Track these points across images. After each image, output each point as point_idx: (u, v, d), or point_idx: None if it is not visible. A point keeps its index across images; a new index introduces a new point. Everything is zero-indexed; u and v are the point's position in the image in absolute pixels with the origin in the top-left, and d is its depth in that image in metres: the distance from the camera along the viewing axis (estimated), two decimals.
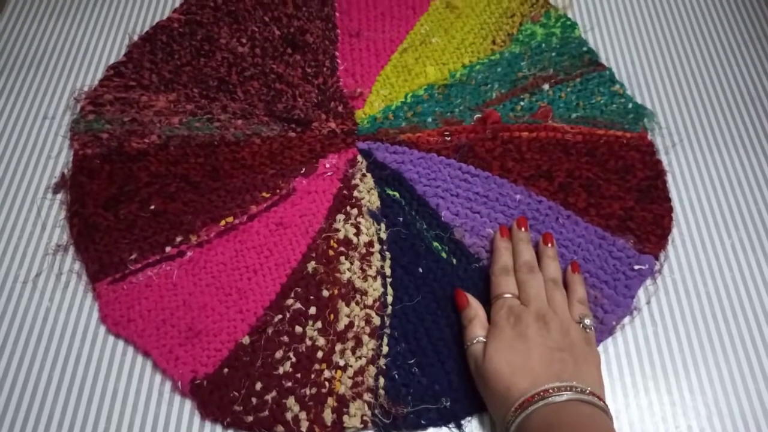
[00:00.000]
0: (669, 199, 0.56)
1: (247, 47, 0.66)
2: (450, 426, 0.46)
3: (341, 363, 0.47)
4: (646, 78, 0.65)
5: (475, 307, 0.48)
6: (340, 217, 0.55)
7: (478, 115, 0.61)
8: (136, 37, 0.67)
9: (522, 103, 0.62)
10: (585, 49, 0.66)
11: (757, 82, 0.64)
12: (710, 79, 0.65)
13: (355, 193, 0.56)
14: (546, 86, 0.63)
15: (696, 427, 0.46)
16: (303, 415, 0.45)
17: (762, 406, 0.47)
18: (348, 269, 0.52)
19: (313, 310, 0.50)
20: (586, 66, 0.64)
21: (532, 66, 0.64)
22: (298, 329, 0.49)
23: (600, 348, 0.49)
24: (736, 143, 0.60)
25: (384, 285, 0.51)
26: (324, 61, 0.65)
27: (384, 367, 0.47)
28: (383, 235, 0.54)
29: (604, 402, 0.41)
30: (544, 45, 0.66)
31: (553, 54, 0.65)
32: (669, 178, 0.58)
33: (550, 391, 0.40)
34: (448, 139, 0.59)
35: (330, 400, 0.46)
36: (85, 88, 0.63)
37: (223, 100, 0.62)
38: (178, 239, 0.53)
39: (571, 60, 0.65)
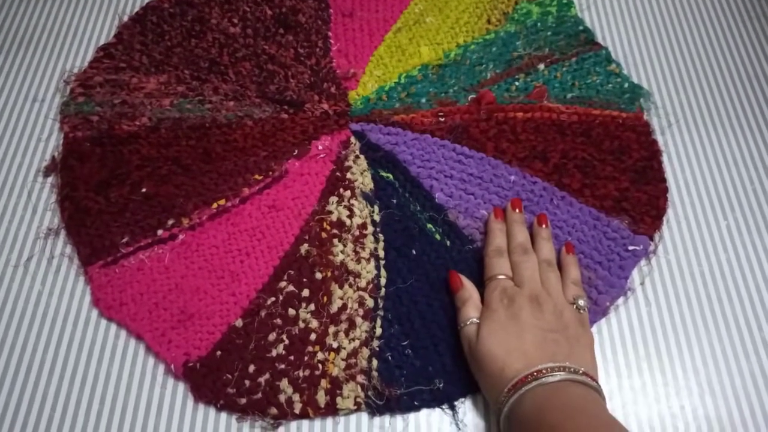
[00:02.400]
0: (664, 180, 0.56)
1: (239, 28, 0.65)
2: (443, 407, 0.46)
3: (334, 345, 0.47)
4: (643, 57, 0.64)
5: (468, 288, 0.48)
6: (333, 199, 0.54)
7: (472, 96, 0.60)
8: (126, 18, 0.66)
9: (517, 84, 0.61)
10: (581, 28, 0.65)
11: (755, 62, 0.64)
12: (707, 59, 0.64)
13: (348, 175, 0.56)
14: (541, 66, 0.62)
15: (689, 407, 0.47)
16: (296, 397, 0.45)
17: (755, 386, 0.47)
18: (341, 251, 0.51)
19: (306, 293, 0.50)
20: (582, 45, 0.63)
21: (528, 45, 0.63)
22: (291, 312, 0.49)
23: (594, 329, 0.49)
24: (732, 123, 0.60)
25: (377, 267, 0.51)
26: (317, 41, 0.64)
27: (377, 349, 0.47)
28: (376, 217, 0.53)
29: (597, 382, 0.41)
30: (539, 24, 0.65)
31: (549, 33, 0.64)
32: (664, 158, 0.57)
33: (544, 371, 0.40)
34: (442, 119, 0.59)
35: (323, 382, 0.46)
36: (75, 70, 0.62)
37: (214, 82, 0.61)
38: (170, 222, 0.53)
39: (566, 39, 0.64)
